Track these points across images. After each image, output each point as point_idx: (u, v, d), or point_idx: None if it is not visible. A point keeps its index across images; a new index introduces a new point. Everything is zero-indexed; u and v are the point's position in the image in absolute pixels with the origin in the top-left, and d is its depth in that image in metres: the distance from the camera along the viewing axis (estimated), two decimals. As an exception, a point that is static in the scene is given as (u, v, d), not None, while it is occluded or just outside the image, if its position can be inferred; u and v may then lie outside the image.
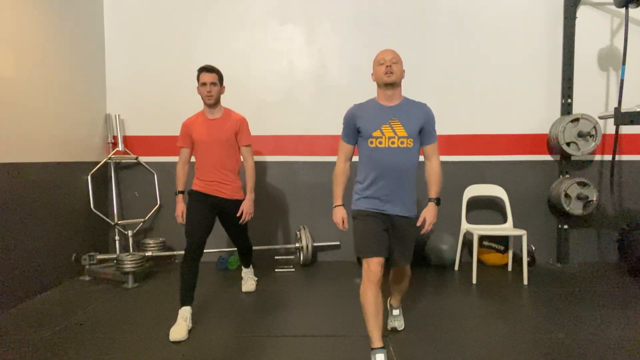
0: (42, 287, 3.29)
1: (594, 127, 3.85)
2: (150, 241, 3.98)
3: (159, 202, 4.22)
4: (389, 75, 2.13)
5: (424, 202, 2.24)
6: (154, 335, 2.51)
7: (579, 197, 3.88)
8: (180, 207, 2.88)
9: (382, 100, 2.22)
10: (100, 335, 2.53)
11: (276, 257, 4.27)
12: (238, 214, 2.90)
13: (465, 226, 3.85)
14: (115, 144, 4.13)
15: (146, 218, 4.19)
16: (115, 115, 4.16)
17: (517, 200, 4.05)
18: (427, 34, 4.18)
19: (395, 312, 2.57)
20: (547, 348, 2.35)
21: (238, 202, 2.92)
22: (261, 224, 4.23)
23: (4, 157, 2.94)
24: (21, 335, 2.52)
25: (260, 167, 4.22)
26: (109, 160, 4.10)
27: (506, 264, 3.97)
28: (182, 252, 2.69)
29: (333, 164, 4.15)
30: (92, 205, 3.84)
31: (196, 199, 2.84)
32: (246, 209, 2.92)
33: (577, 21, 4.03)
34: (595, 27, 4.09)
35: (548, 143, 4.15)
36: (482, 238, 3.95)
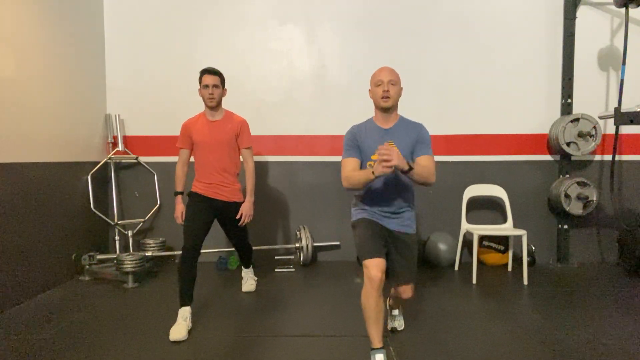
0: (42, 287, 3.29)
1: (594, 127, 3.85)
2: (150, 241, 3.98)
3: (159, 202, 4.22)
4: (385, 100, 2.14)
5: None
6: (154, 335, 2.51)
7: (579, 197, 3.88)
8: (180, 208, 2.89)
9: (379, 121, 2.23)
10: (100, 335, 2.53)
11: (276, 257, 4.27)
12: (237, 217, 2.90)
13: (465, 226, 3.85)
14: (115, 144, 4.13)
15: (146, 218, 4.19)
16: (115, 115, 4.16)
17: (517, 200, 4.05)
18: (427, 34, 4.18)
19: (395, 312, 2.57)
20: (547, 348, 2.35)
21: (237, 205, 2.92)
22: (261, 224, 4.23)
23: (4, 157, 2.94)
24: (21, 336, 2.52)
25: (260, 167, 4.22)
26: (109, 160, 4.10)
27: (506, 264, 3.97)
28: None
29: (333, 164, 4.21)
30: (92, 205, 3.84)
31: (195, 200, 2.85)
32: (245, 211, 2.91)
33: (577, 21, 4.03)
34: (595, 27, 4.09)
35: (548, 143, 4.15)
36: (482, 238, 3.95)
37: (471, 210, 4.12)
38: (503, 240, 3.98)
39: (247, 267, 3.38)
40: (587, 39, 4.07)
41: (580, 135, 3.87)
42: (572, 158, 4.08)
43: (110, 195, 4.16)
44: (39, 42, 3.33)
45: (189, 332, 2.53)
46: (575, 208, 3.90)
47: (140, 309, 2.98)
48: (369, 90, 2.26)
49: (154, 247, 3.95)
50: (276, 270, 3.94)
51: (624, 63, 3.67)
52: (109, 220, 4.06)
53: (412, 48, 4.18)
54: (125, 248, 4.04)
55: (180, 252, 2.67)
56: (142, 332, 2.57)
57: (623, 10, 3.68)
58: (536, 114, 4.16)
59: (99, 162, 3.97)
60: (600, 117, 3.76)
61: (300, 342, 2.45)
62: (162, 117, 4.21)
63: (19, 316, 2.83)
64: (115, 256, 3.63)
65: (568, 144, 3.90)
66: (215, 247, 4.00)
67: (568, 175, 4.06)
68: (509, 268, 3.92)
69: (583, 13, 4.07)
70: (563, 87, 4.09)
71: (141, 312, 2.92)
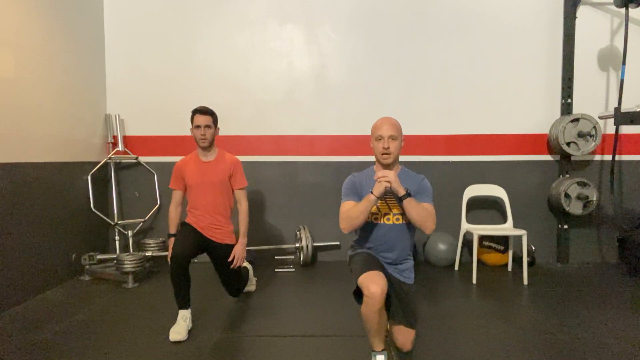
0: (42, 287, 3.29)
1: (594, 127, 3.85)
2: (150, 241, 3.98)
3: (159, 202, 4.22)
4: (385, 157, 2.12)
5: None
6: (154, 335, 2.51)
7: (579, 197, 3.88)
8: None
9: None
10: (100, 335, 2.53)
11: (276, 257, 4.27)
12: (230, 259, 2.79)
13: (465, 226, 3.85)
14: (115, 144, 4.13)
15: (146, 218, 4.19)
16: (115, 115, 4.16)
17: (517, 200, 4.05)
18: (427, 34, 4.18)
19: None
20: (547, 348, 2.35)
21: (229, 247, 2.81)
22: (261, 224, 4.23)
23: (3, 157, 2.94)
24: (21, 336, 2.51)
25: (260, 167, 4.22)
26: (109, 160, 4.10)
27: (506, 264, 3.97)
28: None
29: (333, 164, 4.21)
30: (92, 205, 3.84)
31: (188, 227, 2.76)
32: (238, 253, 2.80)
33: (577, 21, 4.03)
34: (595, 27, 4.09)
35: (548, 143, 4.15)
36: (482, 238, 3.94)
37: (471, 210, 4.12)
38: (503, 240, 3.98)
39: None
40: (587, 39, 4.07)
41: (580, 135, 3.87)
42: (572, 158, 4.08)
43: (110, 195, 4.16)
44: (39, 43, 3.33)
45: (189, 332, 2.53)
46: (575, 208, 3.90)
47: (140, 309, 2.98)
48: (370, 141, 2.23)
49: (154, 247, 3.95)
50: (276, 270, 3.94)
51: (624, 63, 3.67)
52: (109, 220, 4.06)
53: (412, 48, 4.18)
54: (125, 248, 4.04)
55: (170, 263, 2.53)
56: (142, 332, 2.57)
57: (623, 10, 3.68)
58: (536, 114, 4.16)
59: (99, 162, 3.97)
60: (600, 117, 3.76)
61: (300, 342, 2.45)
62: (162, 117, 4.21)
63: (19, 316, 2.83)
64: (115, 256, 3.63)
65: (568, 144, 3.90)
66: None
67: (568, 175, 4.06)
68: (509, 268, 3.92)
69: (583, 13, 4.07)
70: (563, 87, 4.09)
71: (141, 312, 2.92)
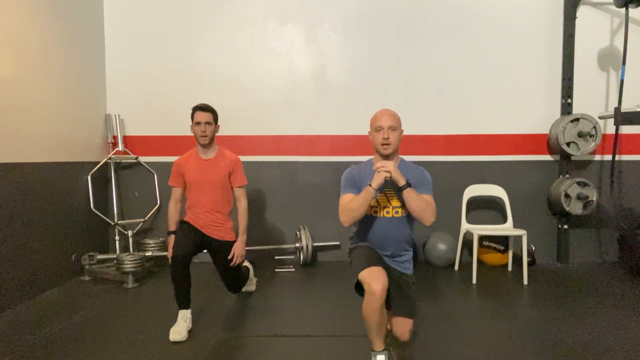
0: (42, 287, 3.29)
1: (594, 127, 3.85)
2: (150, 241, 3.98)
3: (159, 202, 4.22)
4: (385, 147, 2.10)
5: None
6: (154, 335, 2.51)
7: (579, 197, 3.87)
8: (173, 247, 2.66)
9: None
10: (100, 335, 2.53)
11: (276, 257, 4.27)
12: (229, 257, 2.78)
13: (465, 226, 3.85)
14: (115, 144, 4.13)
15: (146, 218, 4.19)
16: (115, 115, 4.16)
17: (517, 200, 4.05)
18: (427, 34, 4.18)
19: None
20: (547, 348, 2.35)
21: (229, 244, 2.80)
22: (261, 224, 4.23)
23: (3, 157, 2.94)
24: (21, 336, 2.51)
25: (261, 167, 4.22)
26: (109, 160, 4.10)
27: (506, 264, 3.97)
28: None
29: (333, 164, 4.21)
30: (92, 205, 3.84)
31: (187, 226, 2.76)
32: (237, 251, 2.80)
33: (577, 21, 4.03)
34: (595, 27, 4.09)
35: (548, 143, 4.15)
36: (482, 238, 3.94)
37: (471, 210, 4.12)
38: (503, 240, 3.98)
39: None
40: (587, 39, 4.07)
41: (580, 135, 3.87)
42: (572, 158, 4.09)
43: (110, 195, 4.16)
44: (39, 42, 3.33)
45: (189, 332, 2.53)
46: (575, 208, 3.90)
47: (140, 309, 2.98)
48: (369, 132, 2.21)
49: (154, 247, 3.95)
50: (276, 270, 3.93)
51: (624, 63, 3.67)
52: (109, 220, 4.06)
53: (412, 48, 4.18)
54: (125, 248, 4.04)
55: (170, 264, 2.53)
56: (142, 332, 2.57)
57: (623, 10, 3.68)
58: (536, 114, 4.16)
59: (99, 162, 3.97)
60: (600, 117, 3.77)
61: (300, 342, 2.45)
62: (162, 117, 4.21)
63: (19, 316, 2.83)
64: (115, 256, 3.63)
65: (568, 144, 3.90)
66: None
67: (568, 175, 4.06)
68: (509, 268, 3.92)
69: (583, 13, 4.07)
70: (563, 87, 4.09)
71: (141, 312, 2.92)
